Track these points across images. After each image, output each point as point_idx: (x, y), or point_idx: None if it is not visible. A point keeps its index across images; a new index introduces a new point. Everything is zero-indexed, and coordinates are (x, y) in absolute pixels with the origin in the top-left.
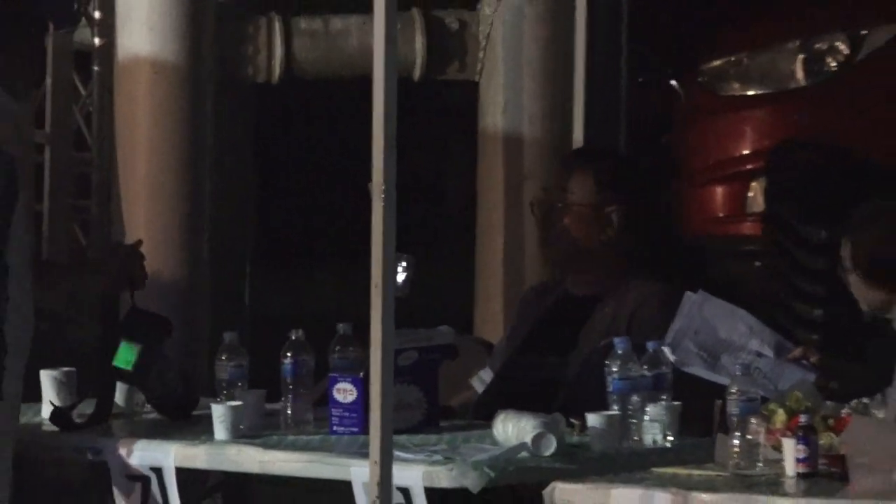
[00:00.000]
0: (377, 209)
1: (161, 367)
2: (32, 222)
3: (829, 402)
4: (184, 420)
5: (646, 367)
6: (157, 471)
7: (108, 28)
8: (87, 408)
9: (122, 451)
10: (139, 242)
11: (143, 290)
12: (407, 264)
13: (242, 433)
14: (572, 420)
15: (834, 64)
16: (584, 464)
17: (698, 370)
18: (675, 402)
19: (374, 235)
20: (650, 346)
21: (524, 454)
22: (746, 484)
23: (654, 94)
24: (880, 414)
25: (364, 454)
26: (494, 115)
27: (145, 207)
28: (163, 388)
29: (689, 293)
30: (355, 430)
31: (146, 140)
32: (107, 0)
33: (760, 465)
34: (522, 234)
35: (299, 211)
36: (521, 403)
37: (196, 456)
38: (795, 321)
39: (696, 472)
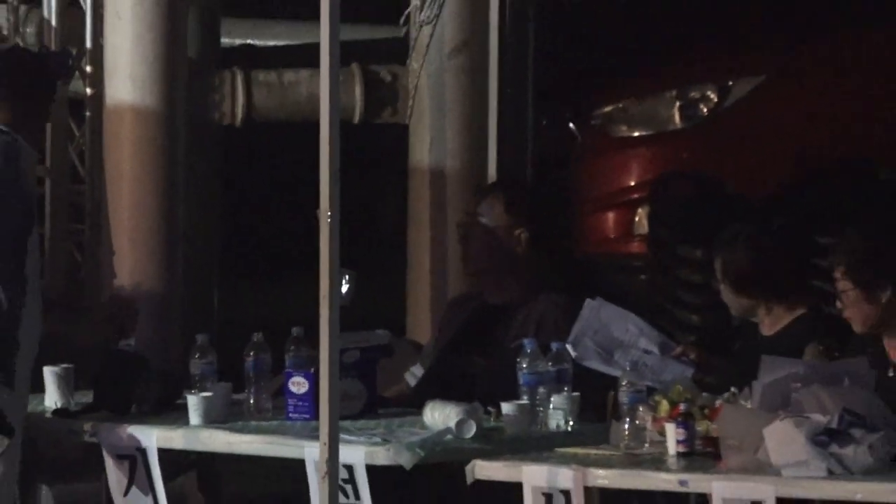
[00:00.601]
0: (324, 232)
1: (146, 387)
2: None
3: (705, 394)
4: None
5: (550, 363)
6: (142, 451)
7: (97, 80)
8: (82, 397)
9: (113, 434)
10: (133, 300)
11: (129, 338)
12: (349, 278)
13: (213, 419)
14: (489, 408)
15: (705, 110)
16: (499, 445)
17: (595, 364)
18: (575, 393)
19: (321, 254)
20: (554, 346)
21: (449, 437)
22: (635, 461)
23: (556, 134)
24: (747, 404)
25: (315, 437)
26: (422, 152)
27: (129, 230)
28: (148, 396)
29: (588, 300)
30: (307, 416)
31: (129, 173)
32: (96, 56)
33: (647, 445)
34: (446, 252)
35: (259, 232)
36: (446, 394)
37: (174, 438)
38: (676, 325)
39: (593, 451)
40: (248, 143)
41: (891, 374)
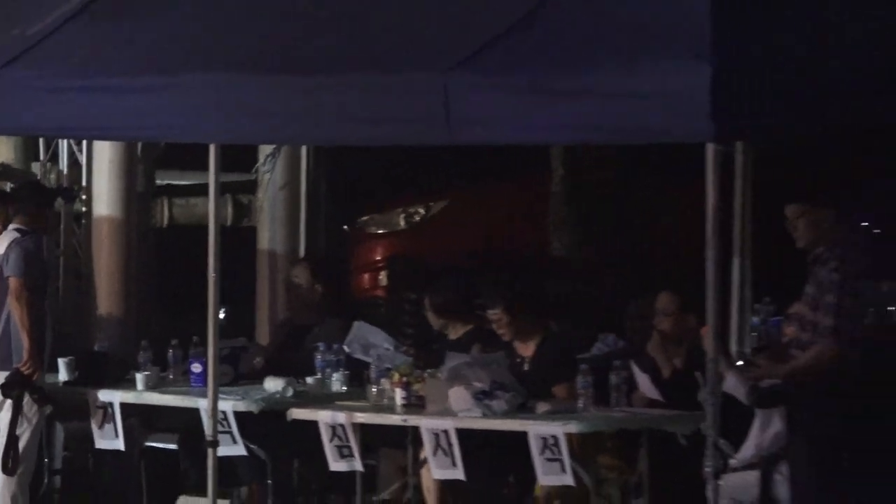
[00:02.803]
0: (211, 287)
1: (108, 369)
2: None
3: (417, 371)
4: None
5: (333, 356)
6: (111, 404)
7: (88, 202)
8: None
9: (94, 395)
10: None
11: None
12: (225, 310)
13: (150, 387)
14: (300, 380)
15: (417, 218)
16: (305, 400)
17: (360, 356)
18: (347, 371)
19: (209, 297)
20: (335, 346)
21: (278, 396)
22: (380, 408)
23: (338, 231)
24: (441, 376)
25: (205, 396)
26: (264, 241)
27: (105, 286)
28: (110, 375)
29: (356, 322)
30: (201, 385)
31: (105, 254)
32: (88, 189)
33: (386, 400)
34: (276, 296)
35: (176, 285)
36: (276, 373)
37: (129, 397)
38: (402, 335)
39: (356, 403)
40: (171, 237)
41: (518, 360)
